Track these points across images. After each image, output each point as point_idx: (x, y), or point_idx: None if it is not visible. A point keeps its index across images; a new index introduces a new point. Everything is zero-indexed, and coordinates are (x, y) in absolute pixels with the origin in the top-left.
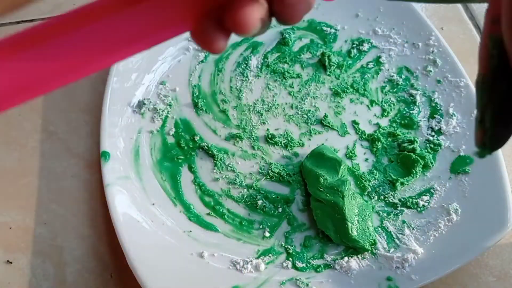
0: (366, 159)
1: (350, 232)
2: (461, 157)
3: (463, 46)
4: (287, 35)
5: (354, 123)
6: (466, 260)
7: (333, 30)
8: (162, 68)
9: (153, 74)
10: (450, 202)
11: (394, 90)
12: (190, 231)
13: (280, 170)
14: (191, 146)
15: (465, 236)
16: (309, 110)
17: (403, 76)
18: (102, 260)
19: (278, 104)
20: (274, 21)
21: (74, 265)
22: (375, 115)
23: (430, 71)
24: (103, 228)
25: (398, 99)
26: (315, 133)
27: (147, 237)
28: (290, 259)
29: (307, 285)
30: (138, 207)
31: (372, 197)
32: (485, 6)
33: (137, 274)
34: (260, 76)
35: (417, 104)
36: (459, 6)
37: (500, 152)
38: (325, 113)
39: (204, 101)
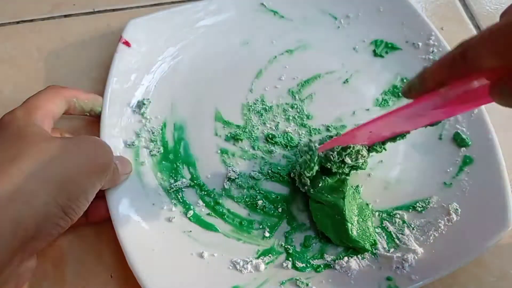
0: None
1: (350, 232)
2: None
3: None
4: None
5: (355, 125)
6: (466, 260)
7: None
8: (161, 69)
9: (153, 75)
10: (450, 202)
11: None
12: (190, 231)
13: (280, 170)
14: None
15: (465, 236)
16: (309, 110)
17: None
18: (102, 260)
19: (278, 104)
20: None
21: (74, 265)
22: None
23: None
24: (103, 228)
25: (399, 97)
26: (315, 133)
27: (147, 237)
28: (290, 259)
29: (307, 285)
30: (138, 208)
31: None
32: (486, 7)
33: (137, 274)
34: (260, 75)
35: None
36: (459, 6)
37: (500, 152)
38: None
39: None
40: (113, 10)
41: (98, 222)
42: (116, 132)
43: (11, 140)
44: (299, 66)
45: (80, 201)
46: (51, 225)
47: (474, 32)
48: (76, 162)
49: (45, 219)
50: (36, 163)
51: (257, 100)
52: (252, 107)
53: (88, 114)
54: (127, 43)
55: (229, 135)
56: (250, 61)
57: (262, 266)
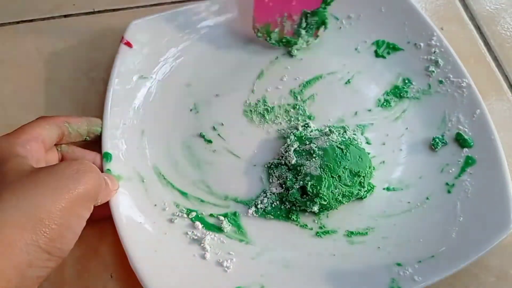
0: None
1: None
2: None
3: (463, 46)
4: None
5: (356, 126)
6: (469, 260)
7: None
8: (163, 70)
9: (155, 76)
10: (452, 202)
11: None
12: (193, 232)
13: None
14: None
15: (467, 237)
16: (311, 111)
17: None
18: (102, 260)
19: (280, 105)
20: None
21: (74, 265)
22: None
23: (432, 71)
24: (103, 228)
25: (401, 98)
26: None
27: (149, 238)
28: None
29: None
30: (140, 209)
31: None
32: (486, 7)
33: (139, 275)
34: (262, 76)
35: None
36: (459, 6)
37: (502, 153)
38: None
39: None
40: (113, 10)
41: (99, 220)
42: (118, 133)
43: None
44: (300, 67)
45: (65, 237)
46: (38, 269)
47: (474, 32)
48: (53, 197)
49: (29, 265)
50: (9, 207)
51: (259, 101)
52: (254, 108)
53: (88, 138)
54: (128, 44)
55: None
56: (252, 62)
57: (265, 266)
